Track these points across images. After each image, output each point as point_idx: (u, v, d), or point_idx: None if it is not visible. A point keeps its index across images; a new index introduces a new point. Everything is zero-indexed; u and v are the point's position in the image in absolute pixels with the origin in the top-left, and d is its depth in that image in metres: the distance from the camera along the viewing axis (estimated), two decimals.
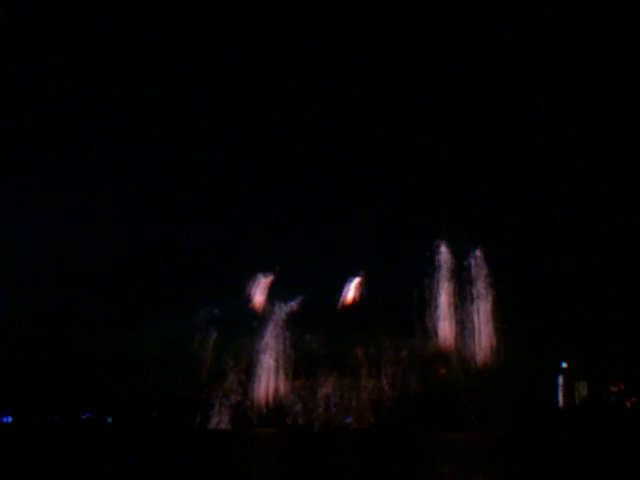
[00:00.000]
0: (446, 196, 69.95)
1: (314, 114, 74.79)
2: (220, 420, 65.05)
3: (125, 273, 75.62)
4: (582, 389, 70.99)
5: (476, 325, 62.49)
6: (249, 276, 65.46)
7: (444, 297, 62.98)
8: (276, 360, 63.61)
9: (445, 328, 62.78)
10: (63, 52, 76.40)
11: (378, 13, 72.18)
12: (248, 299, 64.87)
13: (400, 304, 61.79)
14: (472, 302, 62.71)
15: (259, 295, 64.94)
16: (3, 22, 73.05)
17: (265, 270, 65.78)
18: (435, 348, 62.64)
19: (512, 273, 65.36)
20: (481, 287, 63.12)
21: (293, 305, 64.40)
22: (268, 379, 63.56)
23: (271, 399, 64.14)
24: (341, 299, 64.98)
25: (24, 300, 75.34)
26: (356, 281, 65.65)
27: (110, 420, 75.72)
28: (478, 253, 63.83)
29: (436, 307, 62.82)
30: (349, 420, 64.14)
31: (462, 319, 62.85)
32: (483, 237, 64.33)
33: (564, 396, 71.06)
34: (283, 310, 64.33)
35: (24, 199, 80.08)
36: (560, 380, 71.15)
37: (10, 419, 74.01)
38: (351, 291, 65.02)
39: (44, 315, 74.64)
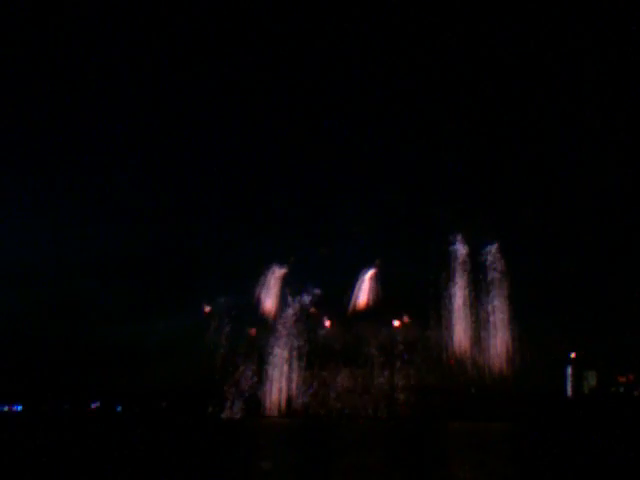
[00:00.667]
0: (462, 188, 69.64)
1: (330, 105, 74.62)
2: (232, 410, 65.36)
3: (136, 264, 75.93)
4: (591, 379, 70.57)
5: (492, 330, 62.75)
6: (262, 267, 65.78)
7: (459, 295, 63.07)
8: (289, 352, 63.74)
9: (460, 332, 63.00)
10: (67, 50, 76.57)
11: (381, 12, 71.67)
12: (260, 293, 65.16)
13: (415, 297, 62.14)
14: (488, 301, 62.88)
15: (273, 287, 65.14)
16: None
17: (277, 261, 66.07)
18: (450, 354, 63.03)
19: (527, 266, 64.98)
20: (497, 285, 63.21)
21: (306, 299, 64.53)
22: (281, 370, 63.72)
23: (284, 390, 64.31)
24: (352, 301, 64.98)
25: (36, 292, 75.75)
26: (370, 273, 65.59)
27: (120, 409, 76.07)
28: (494, 247, 63.80)
29: (450, 309, 63.04)
30: (361, 411, 64.26)
31: (478, 319, 63.07)
32: (500, 230, 64.20)
33: (573, 386, 70.66)
34: (297, 304, 64.50)
35: (35, 193, 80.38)
36: (569, 370, 70.74)
37: (20, 407, 74.55)
38: (365, 283, 64.94)
39: (55, 306, 74.98)
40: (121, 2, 74.25)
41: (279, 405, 63.39)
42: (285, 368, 63.74)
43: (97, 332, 75.80)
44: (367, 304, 64.69)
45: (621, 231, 67.52)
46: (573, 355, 70.65)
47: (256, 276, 66.51)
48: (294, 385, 63.62)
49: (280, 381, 63.49)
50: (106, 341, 74.94)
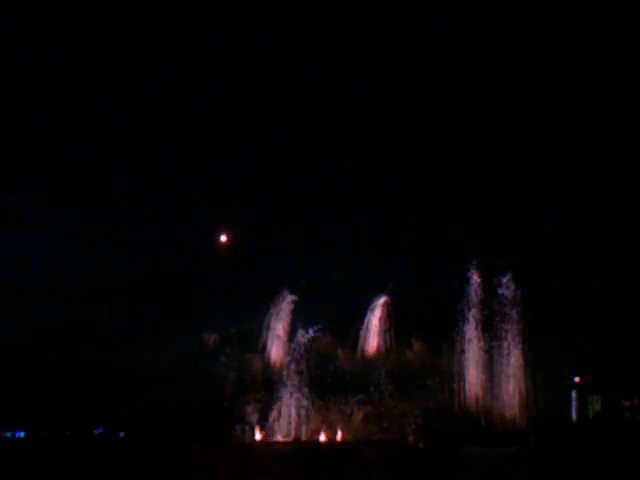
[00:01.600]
0: (476, 213, 69.72)
1: (344, 124, 74.39)
2: (240, 435, 65.33)
3: (139, 288, 75.32)
4: (595, 404, 71.15)
5: (505, 375, 63.34)
6: (271, 292, 65.66)
7: (471, 329, 63.39)
8: (299, 380, 63.70)
9: (472, 376, 63.43)
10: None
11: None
12: (270, 319, 65.17)
13: (427, 324, 62.26)
14: (501, 337, 63.38)
15: (283, 313, 65.10)
16: None
17: (288, 286, 66.05)
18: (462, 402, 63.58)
19: (537, 292, 65.33)
20: (511, 322, 63.79)
21: (316, 326, 64.56)
22: (291, 398, 63.68)
23: (294, 417, 64.31)
24: (362, 339, 65.03)
25: (37, 316, 74.84)
26: (382, 300, 65.69)
27: (122, 435, 75.44)
28: (507, 278, 64.29)
29: (463, 351, 63.41)
30: (373, 435, 64.38)
31: (492, 356, 63.57)
32: (514, 255, 64.47)
33: (577, 411, 71.22)
34: (307, 331, 64.51)
35: (35, 214, 79.69)
36: (573, 395, 71.27)
37: (22, 434, 73.74)
38: (377, 309, 65.04)
39: (57, 330, 74.26)
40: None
41: (289, 432, 63.38)
42: (295, 396, 63.72)
43: (100, 358, 75.02)
44: (377, 346, 64.78)
45: (627, 256, 68.17)
46: (577, 379, 71.18)
47: (266, 301, 66.47)
48: (304, 412, 63.60)
49: (290, 409, 63.45)
50: (109, 367, 74.29)
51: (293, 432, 62.77)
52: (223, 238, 69.25)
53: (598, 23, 68.51)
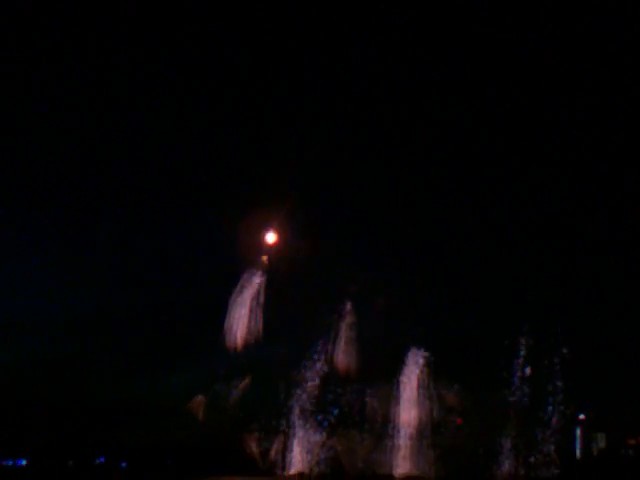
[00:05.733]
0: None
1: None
2: (244, 469, 65.06)
3: (140, 320, 75.36)
4: (600, 441, 71.09)
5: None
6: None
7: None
8: (306, 414, 63.55)
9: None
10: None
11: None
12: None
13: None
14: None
15: None
16: None
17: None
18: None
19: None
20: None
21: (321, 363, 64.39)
22: (299, 431, 63.48)
23: (304, 450, 64.09)
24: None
25: (41, 345, 74.93)
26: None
27: (124, 465, 75.19)
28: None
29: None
30: (370, 470, 64.10)
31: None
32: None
33: (581, 448, 71.15)
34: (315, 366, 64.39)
35: (38, 243, 79.87)
36: (578, 432, 71.24)
37: (24, 462, 73.51)
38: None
39: (59, 361, 74.29)
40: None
41: (299, 465, 63.13)
42: (302, 429, 63.57)
43: (102, 387, 74.99)
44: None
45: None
46: (582, 417, 71.21)
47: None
48: (314, 446, 63.36)
49: (299, 443, 63.26)
50: (112, 396, 74.26)
51: (304, 465, 62.69)
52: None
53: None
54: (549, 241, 67.98)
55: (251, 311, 64.01)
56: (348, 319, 63.61)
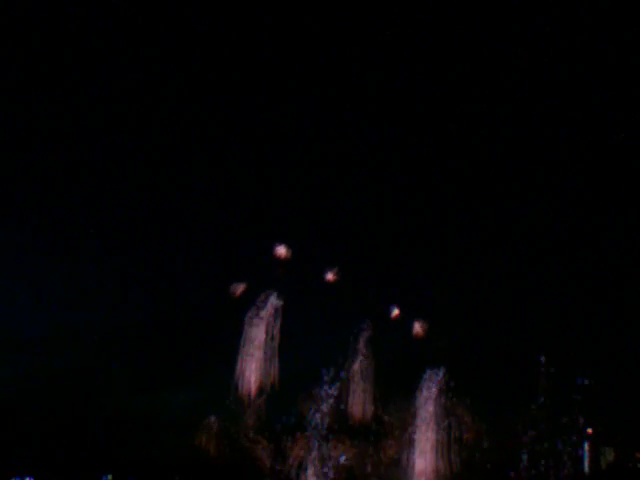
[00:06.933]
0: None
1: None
2: None
3: (146, 335, 74.85)
4: (608, 455, 71.45)
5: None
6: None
7: None
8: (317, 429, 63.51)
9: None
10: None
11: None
12: None
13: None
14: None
15: None
16: None
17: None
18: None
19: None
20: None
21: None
22: (311, 447, 63.41)
23: (315, 464, 63.94)
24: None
25: (48, 361, 74.19)
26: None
27: None
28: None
29: None
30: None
31: None
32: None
33: (590, 462, 71.43)
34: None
35: (45, 258, 79.18)
36: (585, 446, 71.53)
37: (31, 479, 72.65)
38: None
39: (63, 377, 73.56)
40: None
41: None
42: (318, 445, 63.49)
43: (109, 403, 74.33)
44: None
45: None
46: (590, 431, 71.53)
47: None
48: (330, 462, 63.35)
49: (315, 458, 63.17)
50: (119, 412, 73.60)
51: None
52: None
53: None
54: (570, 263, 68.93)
55: (265, 350, 64.22)
56: (366, 336, 63.92)
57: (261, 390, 63.65)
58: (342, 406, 63.89)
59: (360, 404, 63.63)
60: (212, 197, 76.23)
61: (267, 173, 72.62)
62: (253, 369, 63.44)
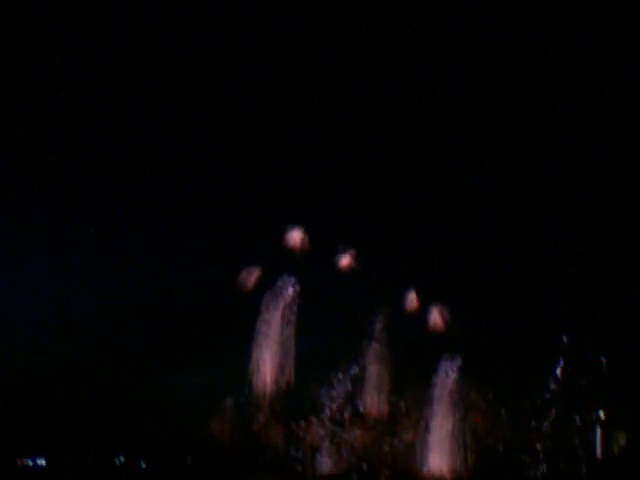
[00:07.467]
0: None
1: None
2: (262, 469, 64.95)
3: (159, 316, 74.72)
4: (620, 439, 71.43)
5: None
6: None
7: None
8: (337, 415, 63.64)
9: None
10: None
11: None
12: None
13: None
14: None
15: None
16: None
17: None
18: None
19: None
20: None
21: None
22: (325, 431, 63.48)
23: (316, 443, 64.16)
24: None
25: (58, 344, 74.05)
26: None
27: (144, 465, 74.72)
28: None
29: None
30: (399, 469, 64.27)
31: None
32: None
33: (602, 446, 71.47)
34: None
35: (51, 242, 78.96)
36: (597, 430, 71.54)
37: (45, 462, 72.90)
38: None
39: (77, 359, 73.51)
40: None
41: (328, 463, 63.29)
42: (333, 429, 63.60)
43: (123, 385, 74.37)
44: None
45: None
46: (602, 415, 71.52)
47: None
48: (344, 446, 63.47)
49: (329, 442, 63.30)
50: (132, 394, 73.67)
51: (330, 465, 62.80)
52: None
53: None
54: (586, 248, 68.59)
55: (281, 335, 64.06)
56: (382, 321, 63.78)
57: (276, 381, 63.40)
58: (357, 391, 63.91)
59: (375, 389, 63.41)
60: (227, 178, 76.04)
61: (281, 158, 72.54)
62: (268, 358, 63.22)
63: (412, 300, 63.57)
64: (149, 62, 75.86)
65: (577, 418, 67.53)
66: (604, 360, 65.05)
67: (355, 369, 63.81)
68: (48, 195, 77.43)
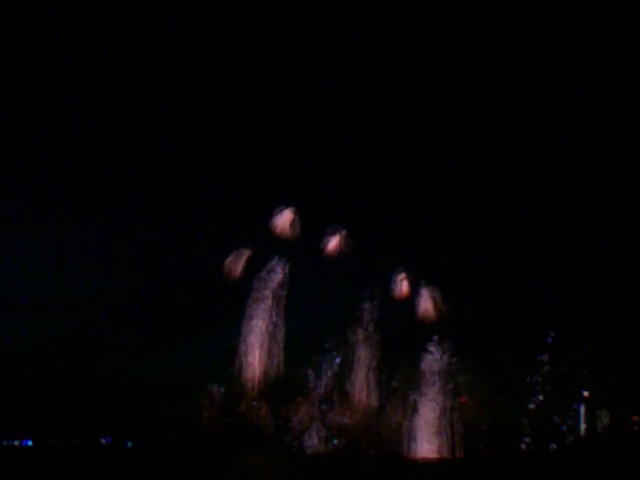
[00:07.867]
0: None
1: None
2: (250, 447, 65.10)
3: (146, 299, 74.20)
4: (604, 418, 72.25)
5: None
6: None
7: None
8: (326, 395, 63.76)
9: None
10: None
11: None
12: None
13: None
14: None
15: None
16: None
17: None
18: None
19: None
20: None
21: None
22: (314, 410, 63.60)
23: (306, 424, 64.38)
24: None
25: (46, 325, 73.52)
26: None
27: (130, 445, 74.65)
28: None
29: None
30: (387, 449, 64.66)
31: None
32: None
33: (586, 425, 72.24)
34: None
35: (50, 225, 78.30)
36: (582, 409, 72.26)
37: (30, 442, 72.62)
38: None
39: (65, 341, 72.97)
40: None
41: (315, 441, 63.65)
42: (322, 409, 63.79)
43: (108, 366, 73.89)
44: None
45: None
46: (586, 394, 72.16)
47: None
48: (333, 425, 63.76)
49: (318, 421, 63.46)
50: (117, 376, 73.19)
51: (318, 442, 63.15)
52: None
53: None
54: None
55: (270, 328, 64.12)
56: (373, 303, 63.81)
57: (266, 363, 63.30)
58: (346, 373, 64.01)
59: (364, 370, 63.53)
60: (219, 160, 75.55)
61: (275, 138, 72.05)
62: (257, 340, 63.00)
63: (403, 282, 63.54)
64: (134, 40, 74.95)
65: (562, 397, 68.56)
66: (592, 342, 65.60)
67: (344, 351, 63.92)
68: (40, 179, 77.17)
